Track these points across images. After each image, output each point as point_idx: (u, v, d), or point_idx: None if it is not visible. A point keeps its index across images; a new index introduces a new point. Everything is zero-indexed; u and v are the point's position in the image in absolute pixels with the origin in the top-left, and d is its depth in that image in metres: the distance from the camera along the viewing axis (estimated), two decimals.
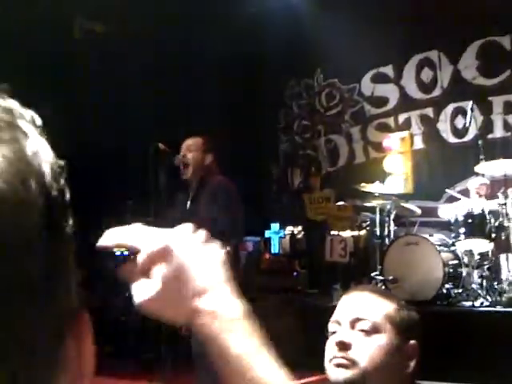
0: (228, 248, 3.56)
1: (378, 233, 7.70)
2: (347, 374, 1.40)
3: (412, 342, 1.44)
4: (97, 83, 8.07)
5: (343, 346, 1.42)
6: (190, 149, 4.24)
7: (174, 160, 4.28)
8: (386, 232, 7.60)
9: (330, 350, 1.44)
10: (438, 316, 6.13)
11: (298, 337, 7.33)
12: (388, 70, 9.87)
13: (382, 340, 1.41)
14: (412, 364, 1.43)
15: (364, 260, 7.92)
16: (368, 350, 1.40)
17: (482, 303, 6.49)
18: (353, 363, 1.40)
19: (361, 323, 1.43)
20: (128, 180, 8.24)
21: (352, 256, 7.84)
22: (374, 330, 1.42)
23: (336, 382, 1.43)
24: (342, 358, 1.41)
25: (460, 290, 6.73)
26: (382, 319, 1.43)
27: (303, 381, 4.35)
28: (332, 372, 1.43)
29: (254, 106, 10.37)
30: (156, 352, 4.57)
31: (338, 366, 1.42)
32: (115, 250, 0.88)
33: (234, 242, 3.83)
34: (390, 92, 9.85)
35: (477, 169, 7.02)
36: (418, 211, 7.55)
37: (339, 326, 1.46)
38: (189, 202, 4.26)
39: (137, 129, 8.01)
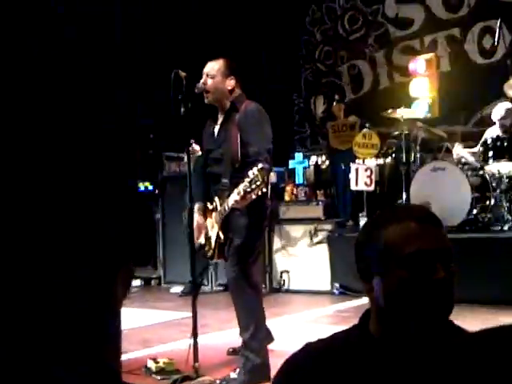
0: (259, 171, 3.46)
1: (404, 160, 7.56)
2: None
3: None
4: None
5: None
6: (210, 75, 4.09)
7: (196, 88, 4.15)
8: (412, 159, 7.47)
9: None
10: (466, 242, 6.06)
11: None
12: None
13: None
14: None
15: (390, 188, 7.82)
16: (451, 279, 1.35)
17: (510, 227, 6.39)
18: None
19: (448, 254, 1.36)
20: (150, 113, 8.17)
21: (378, 184, 7.73)
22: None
23: None
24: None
25: (489, 215, 6.63)
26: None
27: None
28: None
29: (275, 33, 10.10)
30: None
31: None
32: None
33: (267, 166, 3.74)
34: (415, 13, 9.50)
35: (506, 87, 6.78)
36: (445, 135, 7.38)
37: (426, 258, 1.34)
38: (217, 128, 4.15)
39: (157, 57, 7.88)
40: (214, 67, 4.10)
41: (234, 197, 3.64)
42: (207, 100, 4.11)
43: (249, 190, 3.51)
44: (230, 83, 4.09)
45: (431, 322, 1.30)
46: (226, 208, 3.82)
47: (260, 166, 3.49)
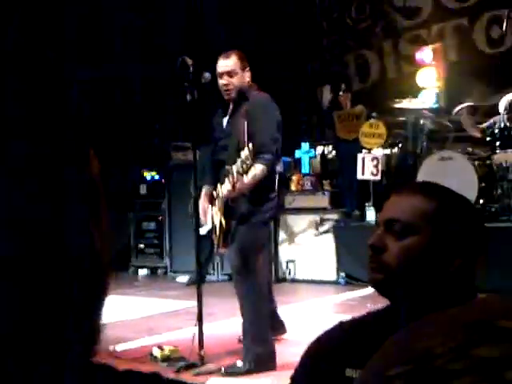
0: (249, 151, 3.48)
1: (410, 149, 7.54)
2: (379, 277, 1.34)
3: (457, 240, 1.33)
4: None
5: (375, 250, 1.35)
6: (231, 73, 4.04)
7: (202, 78, 4.13)
8: (419, 149, 7.44)
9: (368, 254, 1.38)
10: None
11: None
12: None
13: (416, 242, 1.32)
14: (458, 263, 1.32)
15: (397, 178, 7.79)
16: (399, 253, 1.32)
17: None
18: (384, 266, 1.33)
19: (395, 224, 1.34)
20: (155, 102, 8.16)
21: (384, 174, 7.71)
22: (407, 231, 1.33)
23: (372, 286, 1.39)
24: (374, 261, 1.35)
25: (496, 205, 6.60)
26: (416, 219, 1.33)
27: None
28: (368, 276, 1.39)
29: (282, 22, 10.06)
30: None
31: (371, 269, 1.37)
32: None
33: (272, 158, 3.75)
34: (423, 1, 9.42)
35: None
36: (452, 126, 7.34)
37: (377, 228, 1.39)
38: (227, 118, 4.14)
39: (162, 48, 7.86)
40: (231, 64, 4.06)
41: (227, 186, 3.69)
42: (229, 97, 4.08)
43: (241, 170, 3.53)
44: (248, 75, 4.09)
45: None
46: (221, 195, 3.84)
47: (250, 145, 3.50)
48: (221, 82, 4.05)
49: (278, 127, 3.99)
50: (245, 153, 3.50)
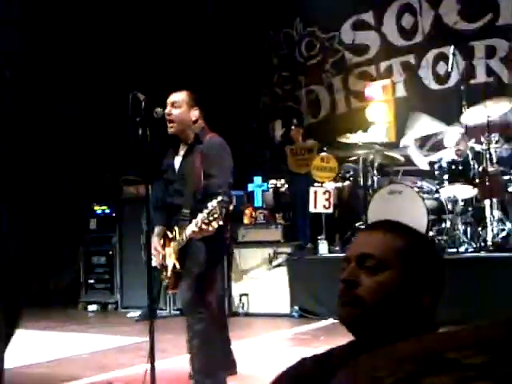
0: (218, 204, 3.50)
1: (361, 183, 7.65)
2: (353, 312, 1.33)
3: (427, 277, 1.36)
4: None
5: (348, 284, 1.35)
6: (175, 105, 4.08)
7: (154, 113, 4.13)
8: (369, 182, 7.56)
9: (339, 290, 1.37)
10: None
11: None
12: (368, 16, 9.68)
13: (389, 277, 1.33)
14: (427, 300, 1.34)
15: (348, 211, 7.89)
16: (374, 288, 1.32)
17: (466, 249, 6.49)
18: (359, 301, 1.33)
19: (367, 260, 1.35)
20: (105, 137, 8.09)
21: (336, 207, 7.79)
22: (381, 266, 1.34)
23: (344, 322, 1.36)
24: (347, 295, 1.34)
25: (445, 237, 6.72)
26: (389, 255, 1.34)
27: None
28: (339, 311, 1.37)
29: (233, 58, 10.17)
30: None
31: (344, 304, 1.35)
32: None
33: (227, 199, 3.77)
34: (371, 39, 9.67)
35: (462, 118, 6.94)
36: (402, 159, 7.49)
37: (348, 263, 1.39)
38: (179, 159, 4.14)
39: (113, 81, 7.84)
40: (179, 97, 4.10)
41: (192, 227, 3.66)
42: (171, 130, 4.09)
43: (206, 221, 3.54)
44: (195, 114, 4.10)
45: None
46: (184, 238, 3.83)
47: (219, 198, 3.53)
48: (165, 111, 4.07)
49: (231, 172, 4.04)
50: (213, 204, 3.51)
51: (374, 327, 1.34)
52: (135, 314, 7.66)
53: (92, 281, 8.84)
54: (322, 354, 1.45)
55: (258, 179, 8.74)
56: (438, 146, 7.33)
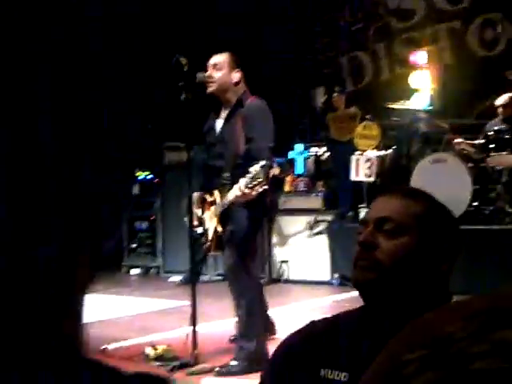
0: (261, 168, 3.49)
1: (404, 151, 7.56)
2: (370, 275, 1.32)
3: (445, 245, 1.34)
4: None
5: (366, 247, 1.33)
6: (217, 67, 4.05)
7: (197, 76, 4.12)
8: (412, 151, 7.46)
9: (356, 252, 1.36)
10: (467, 233, 6.05)
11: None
12: None
13: (408, 242, 1.32)
14: (445, 268, 1.33)
15: (390, 179, 7.81)
16: (393, 251, 1.31)
17: (511, 220, 6.38)
18: (376, 264, 1.31)
19: (386, 223, 1.34)
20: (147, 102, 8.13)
21: (378, 176, 7.72)
22: (400, 230, 1.32)
23: (359, 285, 1.34)
24: (365, 258, 1.33)
25: (490, 208, 6.62)
26: (408, 220, 1.33)
27: None
28: (355, 274, 1.35)
29: (277, 23, 10.06)
30: None
31: (362, 267, 1.33)
32: None
33: (269, 163, 3.75)
34: (417, 4, 9.45)
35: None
36: (446, 127, 7.36)
37: (365, 227, 1.37)
38: (221, 122, 4.13)
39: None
40: (220, 59, 4.07)
41: (236, 192, 3.66)
42: (210, 90, 4.07)
43: (250, 186, 3.54)
44: (236, 76, 4.07)
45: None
46: (227, 202, 3.83)
47: (262, 163, 3.52)
48: (206, 74, 4.05)
49: (272, 136, 4.02)
50: (256, 169, 3.50)
51: (389, 292, 1.31)
52: (177, 278, 7.77)
53: (135, 245, 8.98)
54: (332, 317, 1.44)
55: (299, 146, 8.70)
56: (484, 114, 7.19)
